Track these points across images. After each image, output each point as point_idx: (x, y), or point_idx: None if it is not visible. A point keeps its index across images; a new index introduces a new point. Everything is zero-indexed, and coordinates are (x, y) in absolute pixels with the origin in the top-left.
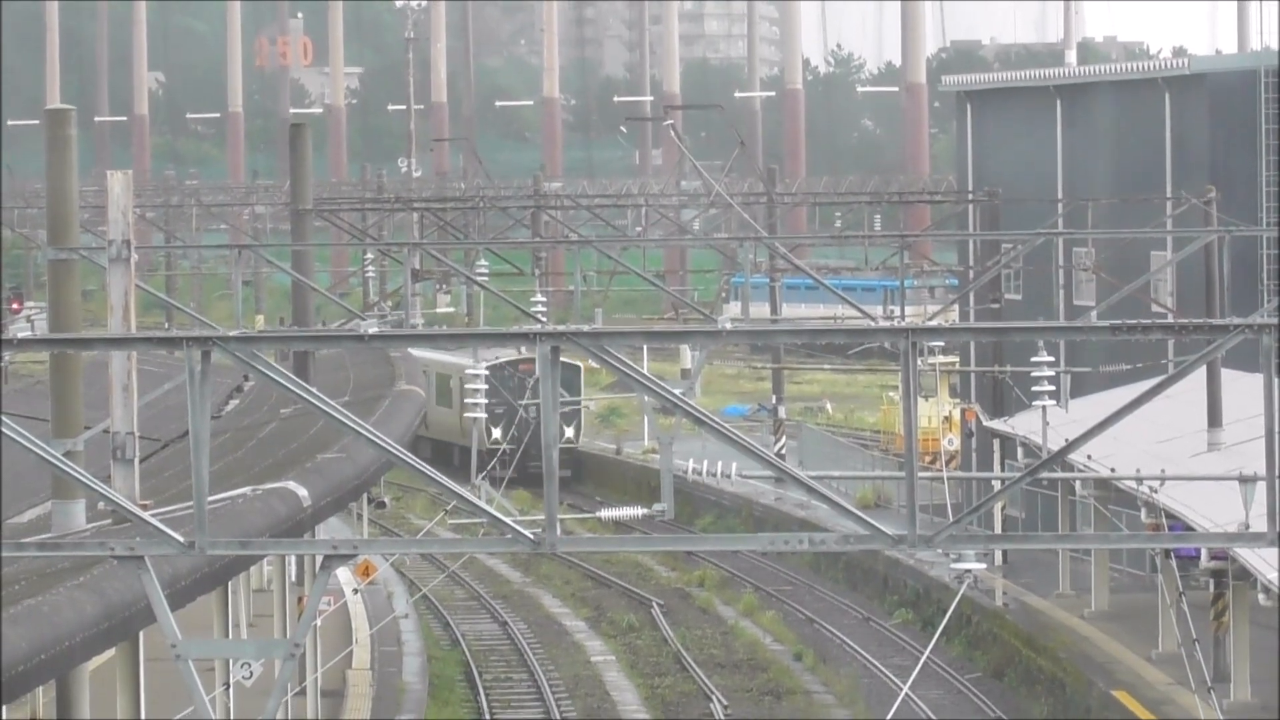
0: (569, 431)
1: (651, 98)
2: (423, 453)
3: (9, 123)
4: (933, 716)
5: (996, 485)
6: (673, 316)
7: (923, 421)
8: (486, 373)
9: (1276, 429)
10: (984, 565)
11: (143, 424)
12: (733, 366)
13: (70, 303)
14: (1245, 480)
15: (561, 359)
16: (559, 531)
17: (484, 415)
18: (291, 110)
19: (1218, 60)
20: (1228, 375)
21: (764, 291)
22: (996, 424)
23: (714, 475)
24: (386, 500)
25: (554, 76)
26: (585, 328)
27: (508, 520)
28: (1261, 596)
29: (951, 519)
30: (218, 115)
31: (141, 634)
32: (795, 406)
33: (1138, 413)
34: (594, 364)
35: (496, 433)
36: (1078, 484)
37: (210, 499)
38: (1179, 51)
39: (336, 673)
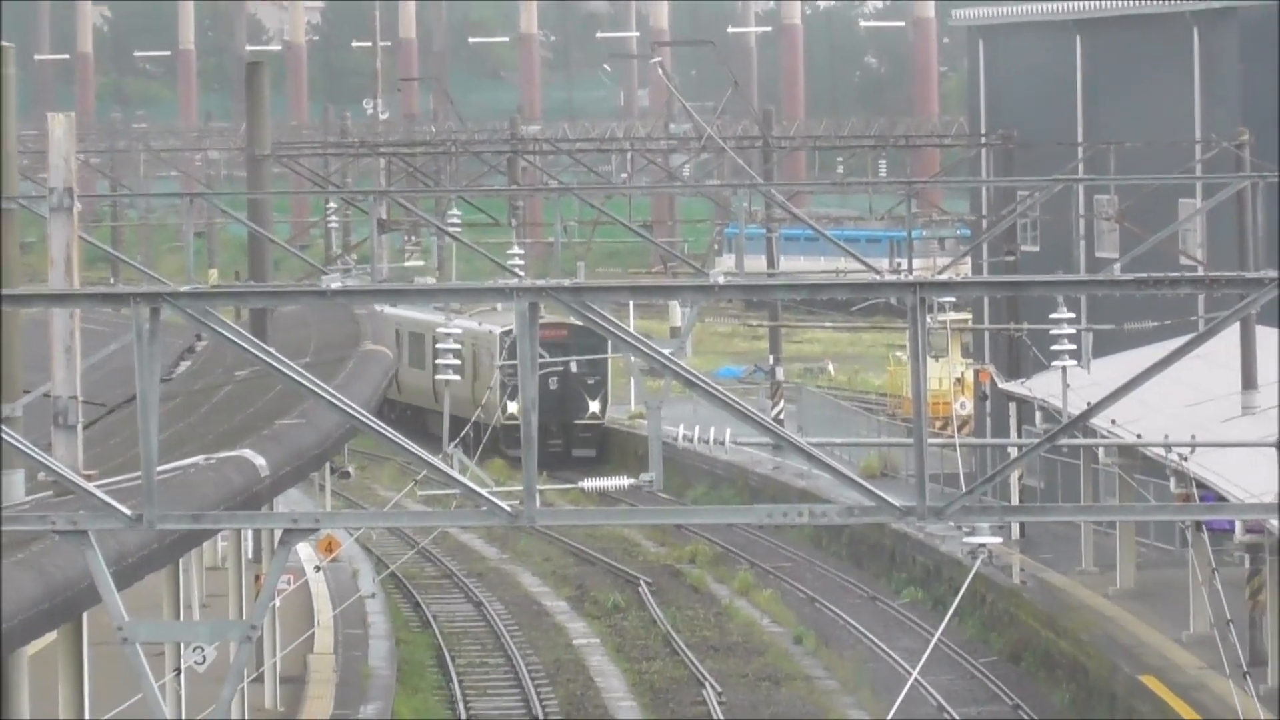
0: (594, 406)
1: (638, 33)
2: (433, 429)
3: None
4: (944, 704)
5: (1013, 453)
6: (661, 270)
7: (932, 384)
8: (457, 332)
9: None
10: (999, 539)
11: (86, 387)
12: (726, 324)
13: (8, 256)
14: None
15: (585, 325)
16: (538, 503)
17: (455, 377)
18: (248, 47)
19: None
20: (1263, 333)
21: (760, 243)
22: (1012, 386)
23: (706, 442)
24: (351, 470)
25: (532, 11)
26: (566, 282)
27: (483, 491)
28: None
29: (964, 489)
30: (168, 53)
31: (85, 616)
32: (794, 368)
33: (1166, 374)
34: (575, 320)
35: (513, 407)
36: (1101, 451)
37: (160, 469)
38: None
39: (297, 657)
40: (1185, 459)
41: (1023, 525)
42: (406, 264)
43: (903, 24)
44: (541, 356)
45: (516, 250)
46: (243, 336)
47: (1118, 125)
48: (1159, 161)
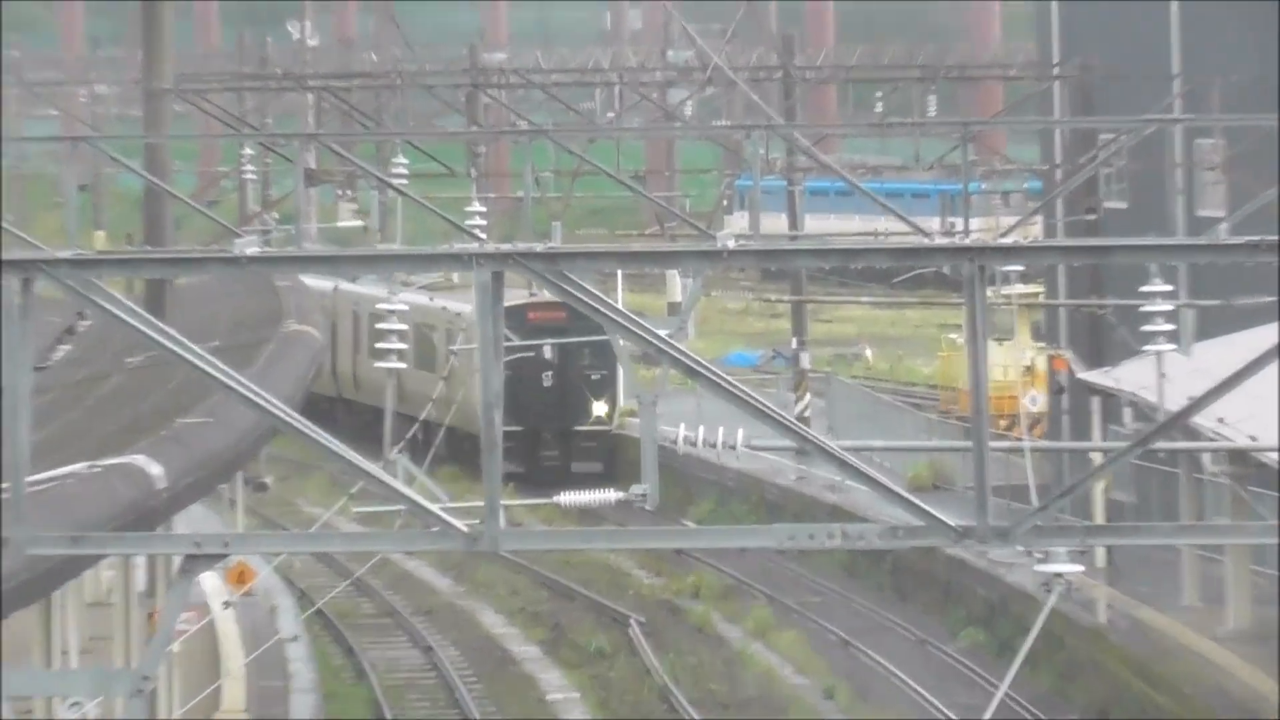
0: (600, 408)
1: None
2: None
3: None
4: None
5: (1096, 459)
6: (657, 232)
7: (995, 374)
8: (404, 308)
9: None
10: (1080, 568)
11: None
12: (738, 299)
13: None
14: None
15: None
16: (503, 523)
17: (399, 365)
18: None
19: None
20: None
21: (779, 198)
22: (1095, 376)
23: (713, 446)
24: (269, 481)
25: None
26: (538, 247)
27: (434, 508)
28: None
29: (1036, 505)
30: None
31: None
32: (823, 353)
33: None
34: (552, 295)
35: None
36: (1206, 457)
37: (31, 479)
38: None
39: (200, 715)
40: None
41: (1109, 550)
42: (340, 224)
43: None
44: (508, 340)
45: (477, 207)
46: (136, 314)
47: (1221, 54)
48: (1272, 98)
